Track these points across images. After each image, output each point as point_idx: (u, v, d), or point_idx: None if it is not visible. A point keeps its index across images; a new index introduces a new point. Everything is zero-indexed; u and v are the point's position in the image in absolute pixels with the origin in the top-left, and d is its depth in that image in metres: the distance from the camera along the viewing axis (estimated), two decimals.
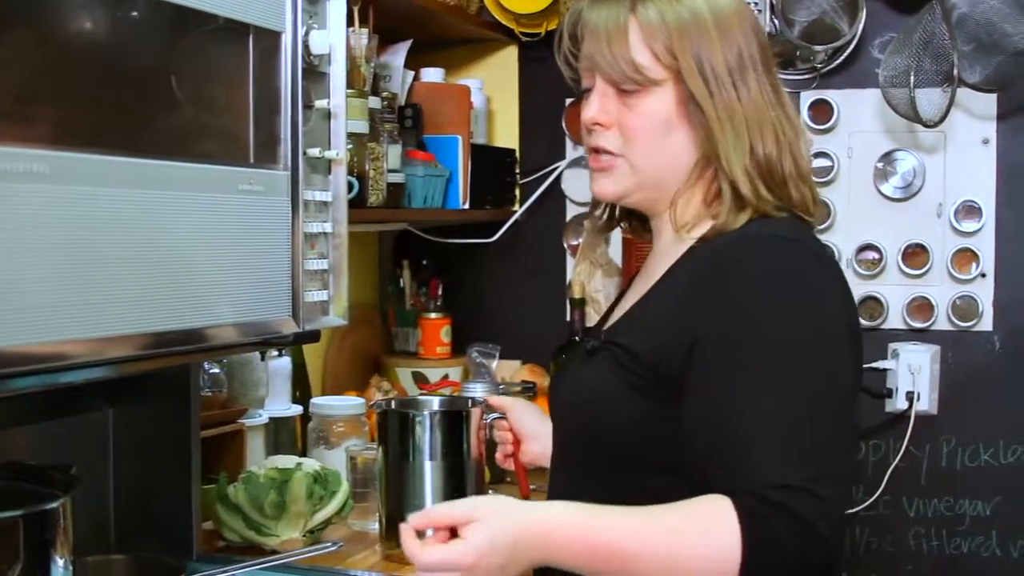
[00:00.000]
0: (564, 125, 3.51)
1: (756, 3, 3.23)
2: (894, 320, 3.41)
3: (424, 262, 3.56)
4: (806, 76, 3.39)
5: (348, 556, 2.24)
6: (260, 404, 2.66)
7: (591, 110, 1.76)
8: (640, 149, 1.74)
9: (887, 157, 3.39)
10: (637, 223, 1.92)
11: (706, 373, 1.58)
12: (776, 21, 3.27)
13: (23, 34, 1.38)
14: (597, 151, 1.78)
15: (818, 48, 3.30)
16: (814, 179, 1.82)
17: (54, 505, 1.60)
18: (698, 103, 1.69)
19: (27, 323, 1.36)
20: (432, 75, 3.25)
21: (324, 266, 1.85)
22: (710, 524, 1.49)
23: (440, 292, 3.50)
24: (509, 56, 3.57)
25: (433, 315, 3.45)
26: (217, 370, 2.48)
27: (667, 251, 1.78)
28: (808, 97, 3.41)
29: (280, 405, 2.76)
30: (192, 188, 1.58)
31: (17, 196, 1.33)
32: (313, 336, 1.85)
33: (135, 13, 1.52)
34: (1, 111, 1.34)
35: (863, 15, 3.28)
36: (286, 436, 2.77)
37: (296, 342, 1.84)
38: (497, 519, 1.49)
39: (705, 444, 1.57)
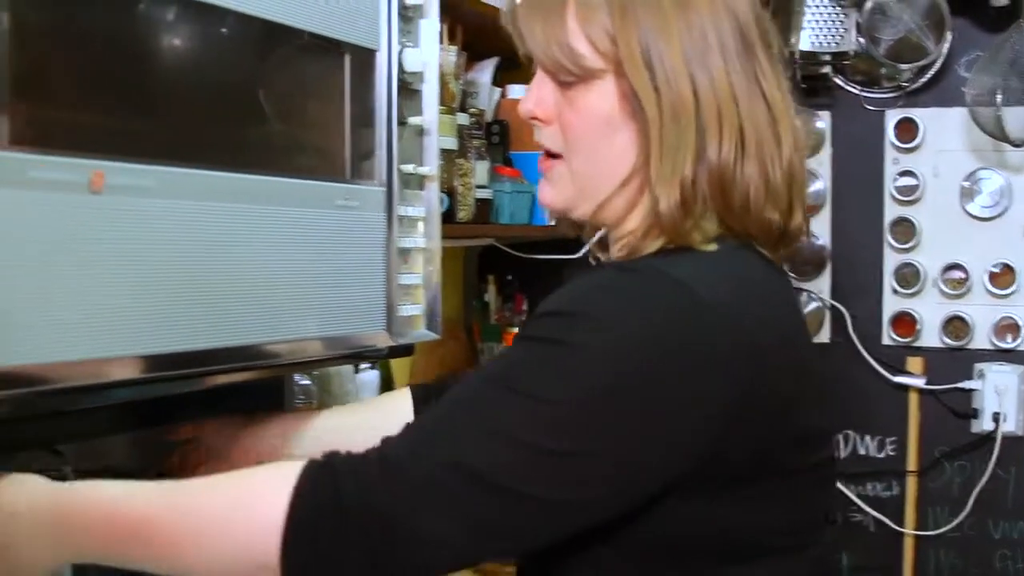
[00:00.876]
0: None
1: (842, 22, 3.23)
2: (980, 340, 3.39)
3: (509, 277, 3.58)
4: (892, 95, 3.38)
5: None
6: None
7: (526, 101, 1.51)
8: (581, 151, 1.47)
9: (973, 176, 3.38)
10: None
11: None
12: (862, 39, 3.26)
13: (130, 53, 1.42)
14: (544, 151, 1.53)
15: (904, 67, 3.29)
16: (809, 201, 1.52)
17: None
18: (639, 99, 1.40)
19: (127, 335, 1.40)
20: (518, 92, 3.27)
21: (417, 281, 1.87)
22: (256, 478, 1.35)
23: (524, 307, 3.52)
24: None
25: (517, 329, 3.47)
26: (308, 382, 2.51)
27: None
28: (893, 116, 3.41)
29: None
30: (292, 203, 1.61)
31: (125, 210, 1.37)
32: (407, 350, 1.87)
33: (235, 31, 1.56)
34: (110, 126, 1.39)
35: (949, 34, 3.27)
36: None
37: (390, 356, 1.86)
38: None
39: None
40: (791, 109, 1.46)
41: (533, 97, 1.50)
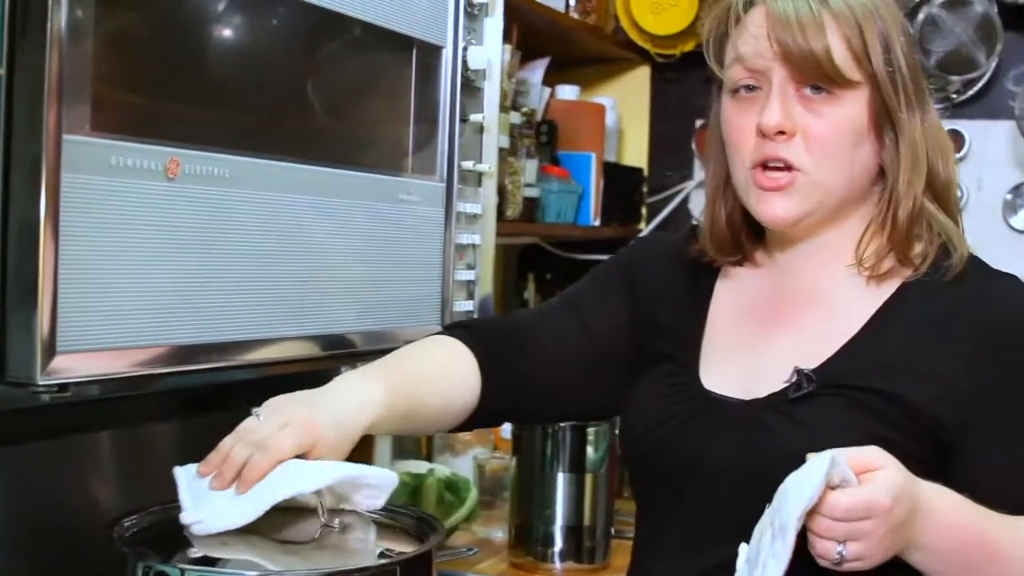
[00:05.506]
0: (693, 146, 3.53)
1: None
2: None
3: (548, 276, 3.58)
4: (939, 106, 3.38)
5: (476, 563, 2.27)
6: None
7: (773, 115, 1.46)
8: (830, 163, 1.48)
9: (1017, 190, 3.37)
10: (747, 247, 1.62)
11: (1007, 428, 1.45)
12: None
13: (208, 45, 1.44)
14: (766, 166, 1.49)
15: (954, 78, 3.29)
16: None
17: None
18: (889, 112, 1.48)
19: (195, 321, 1.41)
20: (568, 92, 3.29)
21: (472, 277, 1.89)
22: None
23: None
24: (641, 76, 3.60)
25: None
26: None
27: (834, 285, 1.54)
28: None
29: None
30: (357, 196, 1.62)
31: (198, 197, 1.38)
32: None
33: (309, 25, 1.57)
34: (187, 116, 1.40)
35: (1000, 47, 3.26)
36: (411, 441, 2.81)
37: None
38: (902, 472, 1.31)
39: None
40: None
41: (777, 110, 1.47)
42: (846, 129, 1.47)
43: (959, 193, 3.29)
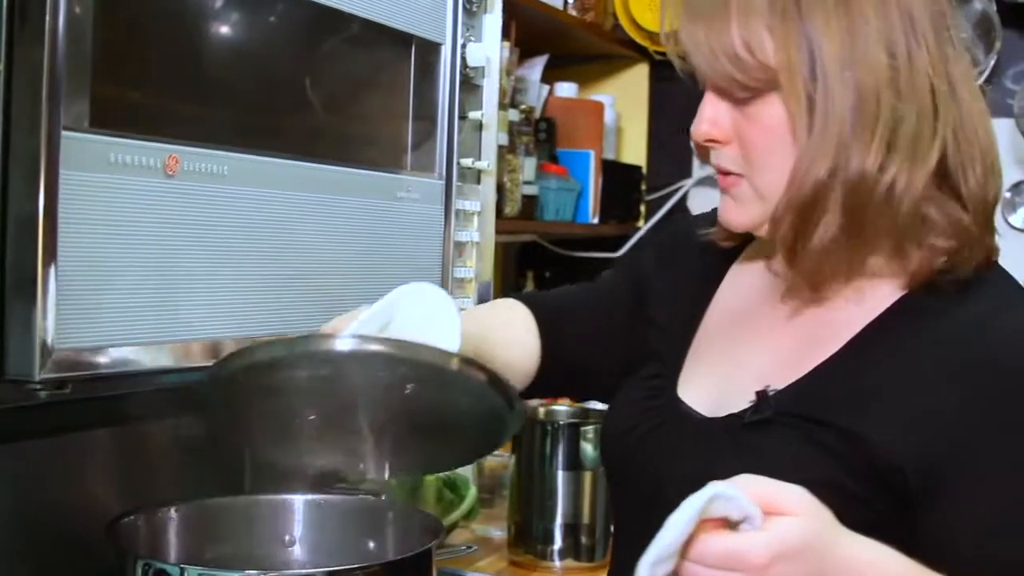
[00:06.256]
0: (692, 144, 3.51)
1: None
2: None
3: (547, 273, 3.58)
4: None
5: (475, 561, 2.27)
6: None
7: (698, 124, 1.32)
8: (765, 169, 1.30)
9: (1016, 188, 3.37)
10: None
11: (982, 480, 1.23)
12: None
13: (205, 41, 1.44)
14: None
15: None
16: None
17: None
18: (811, 109, 1.25)
19: (194, 318, 1.41)
20: (566, 90, 3.28)
21: (471, 274, 1.88)
22: None
23: None
24: (640, 73, 3.59)
25: None
26: None
27: (829, 295, 1.36)
28: None
29: None
30: (356, 193, 1.62)
31: (199, 194, 1.38)
32: None
33: (307, 22, 1.57)
34: (186, 113, 1.40)
35: (999, 45, 3.26)
36: None
37: None
38: (814, 527, 1.11)
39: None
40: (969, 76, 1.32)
41: (707, 118, 1.32)
42: (779, 131, 1.28)
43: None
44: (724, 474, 1.16)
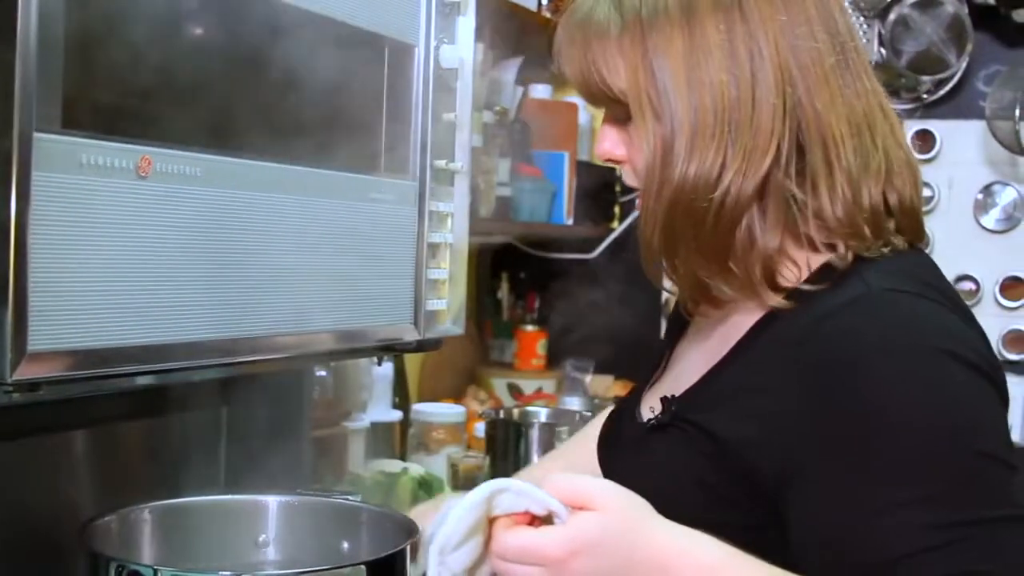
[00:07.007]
0: None
1: (864, 32, 3.24)
2: None
3: (522, 275, 3.59)
4: (910, 106, 3.40)
5: None
6: (363, 408, 2.70)
7: (602, 143, 1.41)
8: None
9: (988, 189, 3.40)
10: None
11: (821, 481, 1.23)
12: (884, 50, 3.28)
13: (178, 42, 1.44)
14: None
15: (924, 78, 3.31)
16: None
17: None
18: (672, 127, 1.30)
19: (160, 321, 1.41)
20: (541, 91, 3.29)
21: (444, 276, 1.88)
22: None
23: (537, 305, 3.53)
24: None
25: (530, 328, 3.49)
26: (324, 373, 2.52)
27: (732, 307, 1.40)
28: (911, 127, 3.42)
29: (381, 410, 2.81)
30: (329, 195, 1.62)
31: (171, 196, 1.38)
32: (435, 344, 1.87)
33: (278, 23, 1.57)
34: (158, 114, 1.40)
35: (970, 47, 3.28)
36: (384, 441, 2.81)
37: (418, 349, 1.86)
38: (617, 520, 1.14)
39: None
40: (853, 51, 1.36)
41: (607, 137, 1.40)
42: (659, 150, 1.31)
43: (930, 193, 3.36)
44: (623, 473, 1.29)
